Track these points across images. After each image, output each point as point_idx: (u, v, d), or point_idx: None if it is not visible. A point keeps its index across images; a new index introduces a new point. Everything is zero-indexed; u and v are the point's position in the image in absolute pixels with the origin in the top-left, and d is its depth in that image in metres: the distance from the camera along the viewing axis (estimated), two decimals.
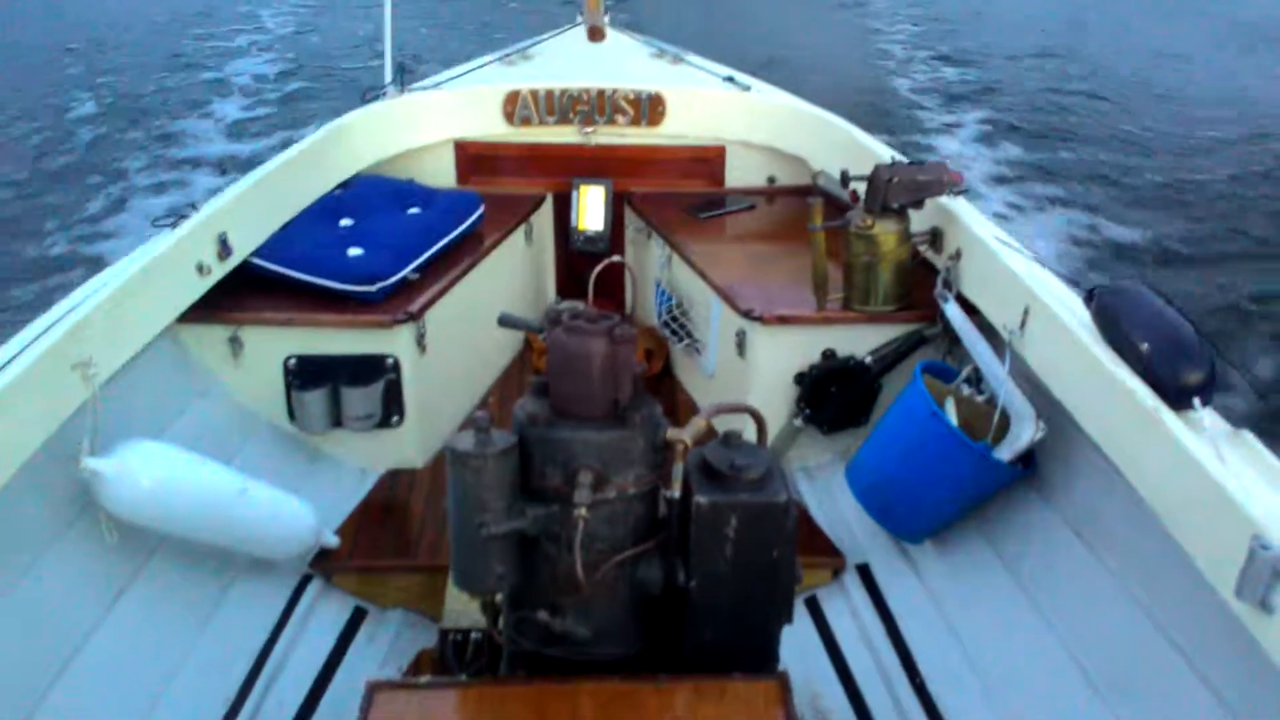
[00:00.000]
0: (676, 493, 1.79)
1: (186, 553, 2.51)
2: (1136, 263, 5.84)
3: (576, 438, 1.77)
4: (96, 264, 5.30)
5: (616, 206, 3.93)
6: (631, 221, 3.98)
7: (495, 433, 1.75)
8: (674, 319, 3.61)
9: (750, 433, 1.92)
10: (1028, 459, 2.52)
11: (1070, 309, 2.38)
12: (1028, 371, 2.50)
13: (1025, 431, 2.48)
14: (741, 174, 4.05)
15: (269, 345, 2.99)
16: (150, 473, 2.29)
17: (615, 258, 2.76)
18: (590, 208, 3.91)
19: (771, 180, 4.01)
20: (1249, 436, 1.95)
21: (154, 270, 2.65)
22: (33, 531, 2.22)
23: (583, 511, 1.71)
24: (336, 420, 3.06)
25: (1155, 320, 2.15)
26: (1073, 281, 2.56)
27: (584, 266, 3.91)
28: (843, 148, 3.65)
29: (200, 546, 2.50)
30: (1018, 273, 2.59)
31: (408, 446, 3.19)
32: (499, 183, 3.96)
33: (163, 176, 6.61)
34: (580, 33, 4.15)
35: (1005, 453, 2.49)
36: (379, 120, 3.78)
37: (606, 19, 3.96)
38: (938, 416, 2.51)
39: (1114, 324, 2.21)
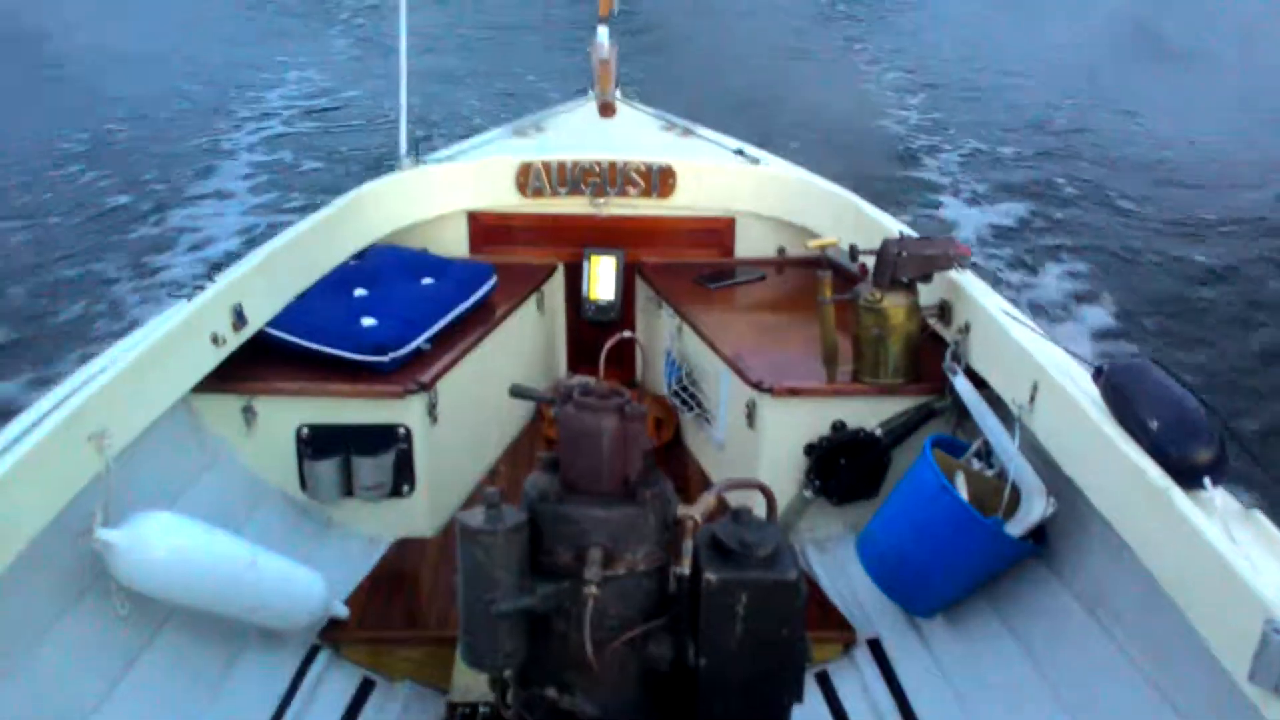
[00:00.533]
0: (686, 569, 1.79)
1: (196, 623, 2.50)
2: (1143, 333, 5.85)
3: (587, 514, 1.78)
4: (112, 334, 5.36)
5: (627, 276, 3.97)
6: (642, 291, 4.02)
7: (506, 508, 1.76)
8: (684, 389, 3.62)
9: (760, 506, 1.92)
10: (1039, 534, 2.52)
11: (1079, 385, 2.39)
12: (1038, 446, 2.51)
13: (1036, 507, 2.47)
14: (751, 245, 4.08)
15: (282, 415, 3.01)
16: (162, 544, 2.30)
17: (626, 333, 2.79)
18: (602, 277, 3.94)
19: (781, 251, 4.05)
20: (1260, 516, 1.95)
21: (170, 341, 2.68)
22: (44, 603, 2.22)
23: (593, 589, 1.71)
24: (347, 489, 3.06)
25: (1164, 398, 2.15)
26: (1081, 357, 2.57)
27: (595, 336, 3.94)
28: (851, 220, 3.69)
29: (210, 617, 2.50)
30: (1026, 347, 2.60)
31: (418, 516, 3.19)
32: (511, 252, 4.01)
33: (178, 246, 6.69)
34: (592, 106, 4.23)
35: (1016, 528, 2.48)
36: (394, 192, 3.84)
37: (617, 93, 4.02)
38: (948, 491, 2.51)
39: (1123, 401, 2.21)
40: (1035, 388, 2.50)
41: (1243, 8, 14.02)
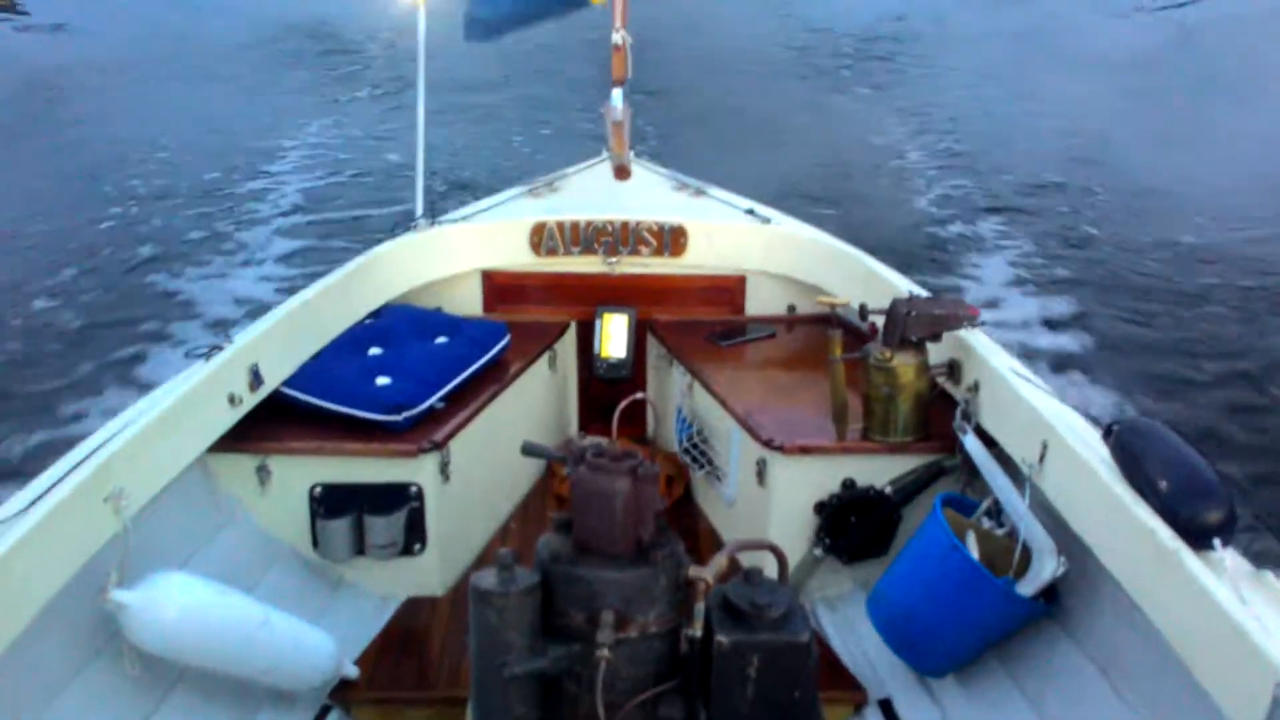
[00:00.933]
0: (698, 631, 1.79)
1: (207, 684, 2.51)
2: (1151, 391, 5.86)
3: (599, 576, 1.79)
4: (131, 393, 5.40)
5: (639, 334, 4.00)
6: (654, 348, 4.05)
7: (518, 570, 1.78)
8: (695, 446, 3.64)
9: (772, 566, 1.93)
10: (1050, 593, 2.52)
11: (1088, 444, 2.40)
12: (1048, 505, 2.51)
13: (1047, 567, 2.48)
14: (762, 303, 4.12)
15: (296, 474, 3.03)
16: (175, 605, 2.31)
17: (639, 395, 2.81)
18: (614, 335, 3.98)
19: (791, 309, 4.08)
20: (1270, 578, 1.95)
21: (187, 402, 2.71)
22: (59, 662, 2.23)
23: (605, 652, 1.72)
24: (359, 548, 3.08)
25: (1173, 459, 2.16)
26: (1090, 416, 2.58)
27: (607, 393, 3.97)
28: (861, 278, 3.72)
29: (221, 677, 2.51)
30: (1036, 406, 2.62)
31: (429, 574, 3.20)
32: (525, 311, 4.05)
33: (197, 306, 6.76)
34: (605, 167, 4.28)
35: (1027, 588, 2.48)
36: (409, 252, 3.89)
37: (631, 155, 4.08)
38: (959, 551, 2.52)
39: (1133, 461, 2.22)
40: (1045, 447, 2.51)
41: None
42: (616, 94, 3.90)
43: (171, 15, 17.59)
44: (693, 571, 1.82)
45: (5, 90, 12.52)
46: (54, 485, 2.25)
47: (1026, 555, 2.53)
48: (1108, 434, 2.35)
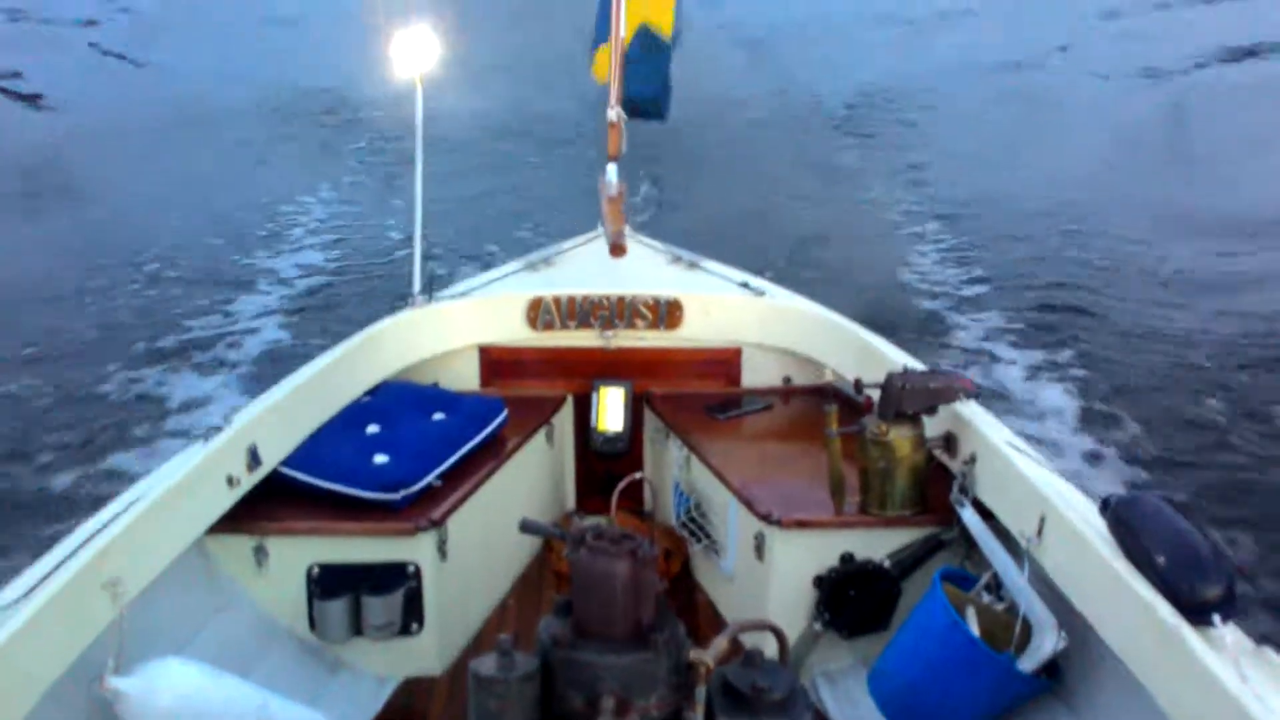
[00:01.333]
0: (699, 716, 1.79)
1: None
2: (1148, 460, 5.87)
3: (599, 661, 1.79)
4: (132, 471, 5.41)
5: (636, 407, 4.02)
6: (650, 421, 4.06)
7: (518, 656, 1.77)
8: (692, 520, 3.64)
9: (772, 643, 1.93)
10: (1051, 669, 2.51)
11: (1086, 518, 2.41)
12: (1047, 579, 2.51)
13: (1047, 642, 2.47)
14: (757, 375, 4.14)
15: (293, 554, 3.02)
16: (171, 692, 2.29)
17: (636, 475, 2.82)
18: (610, 409, 3.99)
19: (787, 381, 4.10)
20: (1271, 654, 1.95)
21: (185, 485, 2.71)
22: None
23: None
24: (357, 629, 3.06)
25: (1170, 533, 2.17)
26: (1086, 489, 2.60)
27: (604, 467, 3.97)
28: (855, 351, 3.75)
29: None
30: (1032, 479, 2.63)
31: (427, 654, 3.18)
32: (521, 385, 4.06)
33: (192, 386, 6.78)
34: (601, 241, 4.33)
35: (1028, 664, 2.47)
36: (407, 328, 3.92)
37: (626, 230, 4.13)
38: (959, 627, 2.51)
39: (1130, 536, 2.23)
40: (1043, 520, 2.52)
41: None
42: (611, 169, 3.95)
43: (172, 85, 17.85)
44: (693, 654, 1.82)
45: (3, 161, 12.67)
46: (51, 572, 2.24)
47: (1027, 630, 2.52)
48: (1104, 508, 2.36)
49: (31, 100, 17.16)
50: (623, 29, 3.98)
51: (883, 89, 16.59)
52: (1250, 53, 19.35)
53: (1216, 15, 24.09)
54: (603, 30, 4.08)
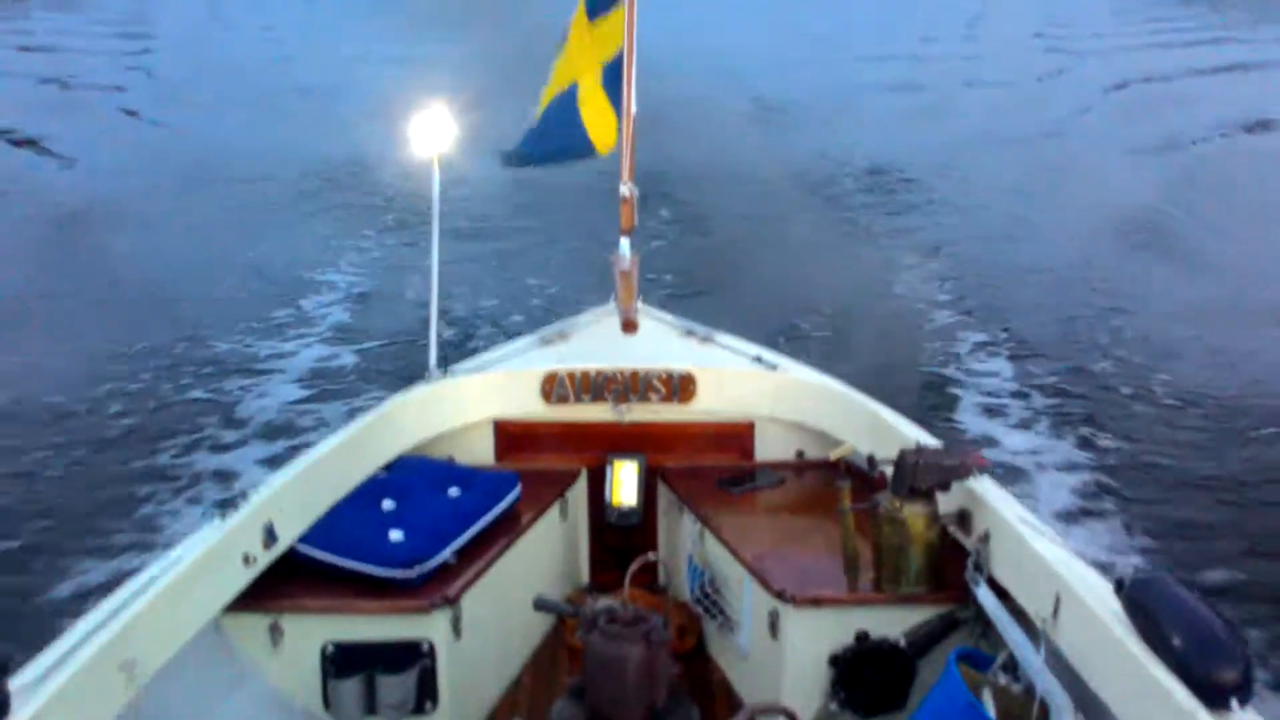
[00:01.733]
0: None
1: None
2: (1163, 537, 5.82)
3: None
4: (145, 552, 5.42)
5: (649, 481, 4.02)
6: (664, 495, 4.06)
7: None
8: (707, 596, 3.62)
9: None
10: None
11: (1101, 598, 2.40)
12: (1063, 660, 2.49)
13: None
14: (771, 448, 4.15)
15: (308, 632, 3.03)
16: None
17: (650, 555, 2.82)
18: (624, 483, 3.99)
19: (800, 455, 4.11)
20: None
21: (202, 564, 2.73)
22: None
23: None
24: (371, 708, 3.05)
25: (1186, 615, 2.16)
26: (1100, 567, 2.59)
27: (618, 541, 3.97)
28: (868, 425, 3.76)
29: None
30: (1047, 558, 2.62)
31: None
32: (536, 459, 4.08)
33: (209, 460, 6.81)
34: (614, 316, 4.37)
35: None
36: (423, 404, 3.94)
37: (639, 304, 4.17)
38: (976, 709, 2.49)
39: (1146, 617, 2.22)
40: (1058, 600, 2.51)
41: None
42: (624, 244, 4.01)
43: (197, 150, 18.18)
44: None
45: (31, 226, 12.90)
46: (69, 654, 2.25)
47: (1044, 712, 2.50)
48: (1119, 588, 2.35)
49: (60, 159, 17.54)
50: (634, 104, 4.07)
51: (900, 159, 16.74)
52: (1263, 124, 19.60)
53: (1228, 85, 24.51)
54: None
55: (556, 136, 4.17)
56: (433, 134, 4.07)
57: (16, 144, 18.70)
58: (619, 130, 4.12)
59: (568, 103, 4.14)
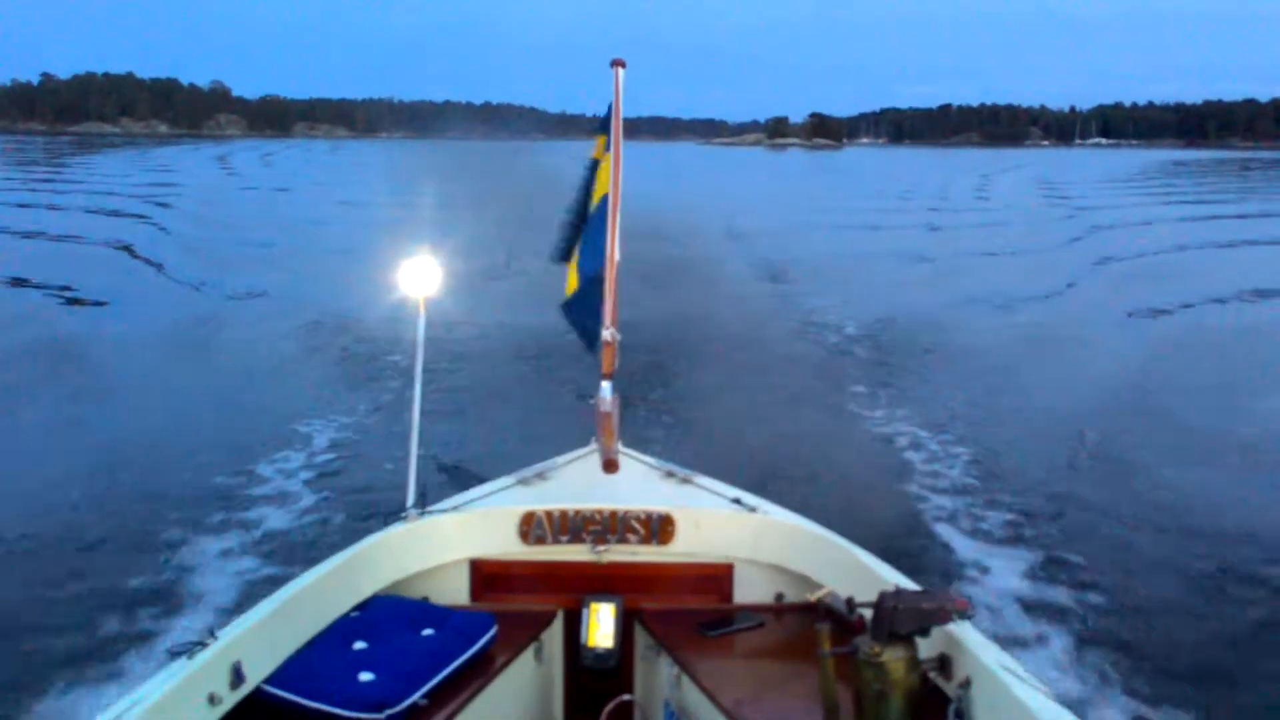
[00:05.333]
0: None
1: None
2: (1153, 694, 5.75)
3: None
4: (108, 686, 5.26)
5: (626, 623, 3.97)
6: (641, 638, 4.01)
7: None
8: None
9: None
10: None
11: None
12: None
13: None
14: (749, 591, 4.12)
15: None
16: None
17: (625, 696, 2.77)
18: (601, 625, 3.94)
19: (780, 597, 4.07)
20: None
21: (165, 704, 2.66)
22: None
23: None
24: None
25: None
26: (1083, 717, 2.55)
27: (593, 683, 3.89)
28: (848, 568, 3.74)
29: None
30: (1030, 706, 2.59)
31: None
32: (512, 599, 4.03)
33: (177, 596, 6.69)
34: (594, 455, 4.38)
35: None
36: (398, 543, 3.92)
37: (619, 446, 4.18)
38: None
39: None
40: None
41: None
42: (606, 386, 4.05)
43: (199, 302, 18.61)
44: None
45: (33, 358, 13.13)
46: None
47: None
48: None
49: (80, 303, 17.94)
50: (617, 251, 4.17)
51: (894, 320, 17.11)
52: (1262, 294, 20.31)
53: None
54: (587, 249, 4.27)
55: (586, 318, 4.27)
56: (419, 279, 4.19)
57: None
58: (579, 278, 4.26)
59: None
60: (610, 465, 4.02)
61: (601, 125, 4.35)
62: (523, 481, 4.51)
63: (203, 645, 2.89)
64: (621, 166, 4.17)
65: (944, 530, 8.15)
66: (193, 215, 33.16)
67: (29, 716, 5.29)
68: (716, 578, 4.12)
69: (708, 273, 20.69)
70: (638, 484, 4.41)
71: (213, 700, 2.85)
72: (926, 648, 3.05)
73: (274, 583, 3.52)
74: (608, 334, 4.08)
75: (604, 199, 4.22)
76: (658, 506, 4.11)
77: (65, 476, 8.90)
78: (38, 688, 5.52)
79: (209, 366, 13.59)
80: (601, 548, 4.07)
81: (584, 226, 4.40)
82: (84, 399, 11.64)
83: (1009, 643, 5.21)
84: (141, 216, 31.48)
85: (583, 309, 4.28)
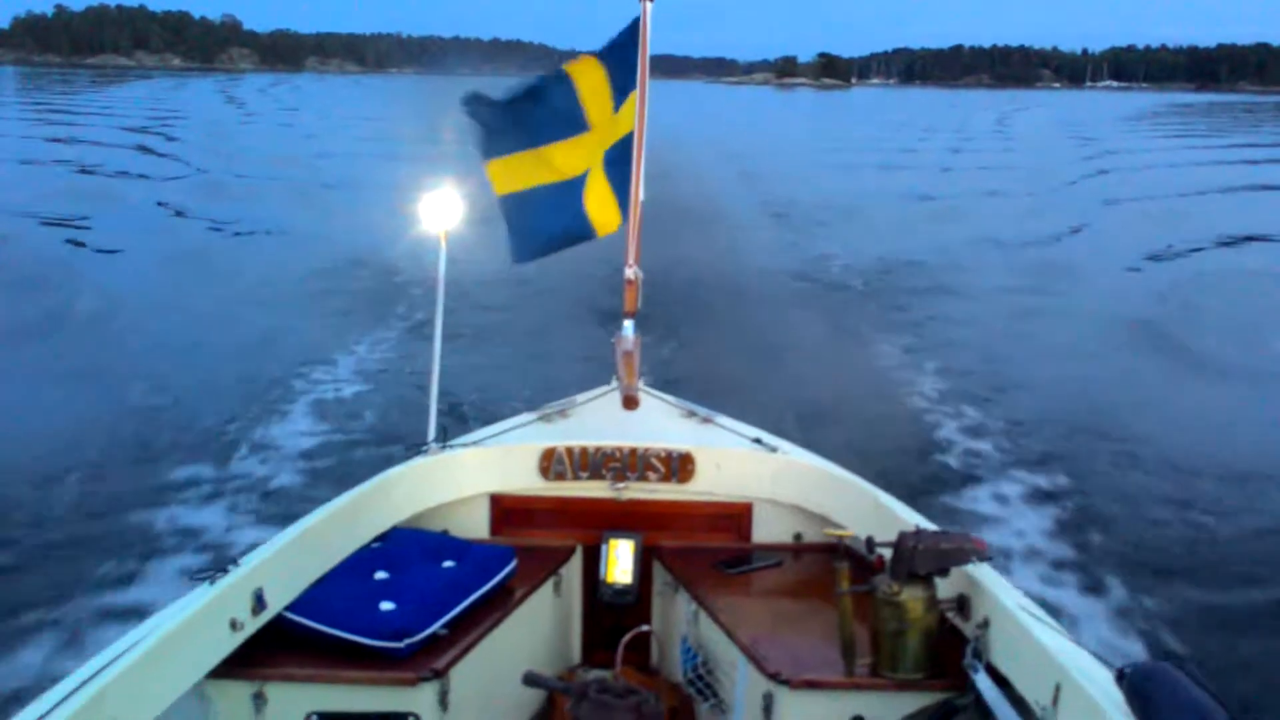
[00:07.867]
0: None
1: None
2: (1168, 624, 5.76)
3: None
4: (129, 615, 5.34)
5: (645, 560, 3.98)
6: (660, 575, 4.02)
7: None
8: (700, 678, 3.56)
9: None
10: None
11: (1102, 687, 2.36)
12: None
13: None
14: (768, 531, 4.12)
15: (292, 701, 2.97)
16: None
17: (644, 626, 2.78)
18: (620, 561, 3.95)
19: (798, 537, 4.08)
20: None
21: (187, 628, 2.69)
22: None
23: None
24: None
25: (1188, 705, 2.13)
26: (1101, 656, 2.55)
27: (611, 619, 3.92)
28: (868, 509, 3.73)
29: None
30: (1047, 645, 2.59)
31: None
32: (531, 535, 4.05)
33: (201, 524, 6.77)
34: (615, 394, 4.37)
35: None
36: (419, 476, 3.93)
37: (640, 384, 4.17)
38: None
39: (1148, 707, 2.18)
40: (1058, 689, 2.47)
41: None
42: (628, 325, 4.02)
43: (219, 238, 18.66)
44: None
45: (49, 295, 13.17)
46: (48, 713, 2.21)
47: None
48: (1120, 677, 2.31)
49: (89, 246, 17.94)
50: (641, 190, 4.10)
51: (904, 261, 17.01)
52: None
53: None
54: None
55: (556, 222, 4.20)
56: (440, 213, 4.17)
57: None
58: (623, 214, 4.16)
59: (574, 190, 4.17)
60: (631, 402, 4.01)
61: (603, 57, 4.19)
62: (544, 417, 4.50)
63: (224, 571, 2.92)
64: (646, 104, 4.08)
65: (965, 474, 8.15)
66: (214, 150, 33.11)
67: (55, 633, 5.39)
68: (735, 516, 4.13)
69: (731, 220, 20.53)
70: (658, 422, 4.40)
71: (234, 625, 2.88)
72: (945, 588, 3.05)
73: (295, 515, 3.53)
74: (630, 272, 4.04)
75: (627, 136, 4.14)
76: (678, 445, 4.10)
77: (93, 406, 9.00)
78: (65, 611, 5.63)
79: (230, 297, 13.66)
80: (621, 485, 4.07)
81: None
82: (107, 330, 11.72)
83: (1028, 579, 5.23)
84: (159, 153, 31.36)
85: (548, 217, 4.18)
